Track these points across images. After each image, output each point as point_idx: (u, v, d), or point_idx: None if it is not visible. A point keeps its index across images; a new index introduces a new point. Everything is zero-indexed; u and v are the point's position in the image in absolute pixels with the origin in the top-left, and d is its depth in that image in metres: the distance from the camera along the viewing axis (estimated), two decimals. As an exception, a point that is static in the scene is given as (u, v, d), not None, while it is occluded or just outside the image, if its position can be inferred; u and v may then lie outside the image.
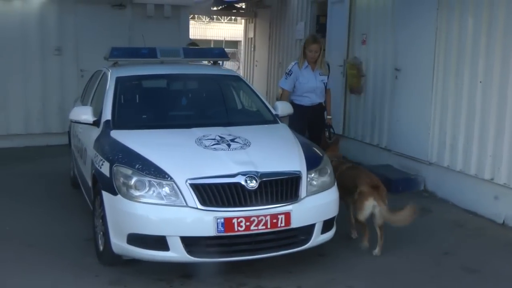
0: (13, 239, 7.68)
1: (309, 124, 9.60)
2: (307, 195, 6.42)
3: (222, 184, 6.09)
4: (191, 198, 6.00)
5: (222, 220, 5.94)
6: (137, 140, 6.92)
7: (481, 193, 8.75)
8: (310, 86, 9.55)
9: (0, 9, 13.46)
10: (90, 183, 7.36)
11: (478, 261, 7.14)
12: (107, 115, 7.55)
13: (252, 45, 20.96)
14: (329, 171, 6.89)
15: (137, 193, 6.11)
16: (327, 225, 6.63)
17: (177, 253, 6.00)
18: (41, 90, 13.91)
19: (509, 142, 8.33)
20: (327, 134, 9.63)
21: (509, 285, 6.54)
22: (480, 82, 8.82)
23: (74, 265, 6.78)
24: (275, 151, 6.99)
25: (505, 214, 8.41)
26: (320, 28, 15.30)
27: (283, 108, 8.33)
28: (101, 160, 6.74)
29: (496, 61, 8.52)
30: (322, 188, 6.66)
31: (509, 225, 8.33)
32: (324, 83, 9.64)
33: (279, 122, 8.09)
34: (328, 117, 9.85)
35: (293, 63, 9.89)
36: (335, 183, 6.92)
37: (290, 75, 9.64)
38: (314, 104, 9.64)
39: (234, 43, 38.57)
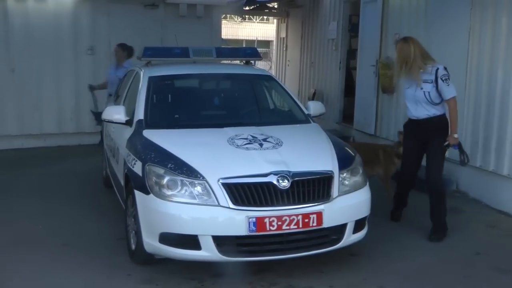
0: (46, 238, 7.75)
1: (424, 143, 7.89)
2: (339, 195, 6.42)
3: (254, 184, 6.10)
4: (223, 197, 6.02)
5: (254, 219, 5.96)
6: (169, 140, 6.96)
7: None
8: (409, 94, 7.91)
9: (33, 9, 13.66)
10: (122, 182, 7.41)
11: (510, 261, 7.10)
12: (139, 114, 7.60)
13: (284, 45, 20.95)
14: (361, 171, 6.88)
15: (169, 192, 6.15)
16: (358, 225, 6.63)
17: (209, 252, 6.03)
18: (74, 90, 14.09)
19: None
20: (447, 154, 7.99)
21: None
22: (514, 82, 8.77)
23: (107, 264, 6.83)
24: (307, 151, 6.98)
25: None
26: (352, 28, 15.30)
27: (316, 108, 8.33)
28: (134, 159, 6.79)
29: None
30: (354, 188, 6.66)
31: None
32: (425, 92, 7.65)
33: (312, 121, 8.09)
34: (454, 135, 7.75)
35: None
36: (367, 183, 6.92)
37: None
38: (418, 118, 7.85)
39: (266, 43, 38.57)
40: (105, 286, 6.31)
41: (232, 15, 30.49)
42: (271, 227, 6.00)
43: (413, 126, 8.01)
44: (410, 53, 7.67)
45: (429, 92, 7.62)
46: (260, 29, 41.02)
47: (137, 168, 6.60)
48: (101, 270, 6.67)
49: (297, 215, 6.07)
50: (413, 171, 8.18)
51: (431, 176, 7.81)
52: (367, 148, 9.43)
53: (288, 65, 20.69)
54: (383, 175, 9.37)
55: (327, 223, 6.23)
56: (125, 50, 11.53)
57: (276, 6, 20.82)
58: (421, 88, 7.66)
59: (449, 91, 7.58)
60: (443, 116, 7.80)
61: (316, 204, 6.19)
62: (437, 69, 7.60)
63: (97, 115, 11.77)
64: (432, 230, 7.79)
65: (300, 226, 6.09)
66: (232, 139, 6.84)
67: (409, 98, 7.92)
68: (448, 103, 7.67)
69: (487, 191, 9.36)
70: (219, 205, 6.02)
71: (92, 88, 12.37)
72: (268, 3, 20.58)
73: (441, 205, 7.81)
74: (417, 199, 8.48)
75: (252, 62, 9.59)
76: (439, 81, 7.54)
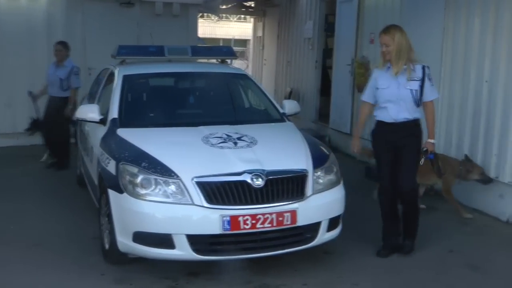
0: (19, 238, 7.71)
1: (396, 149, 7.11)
2: (313, 193, 6.44)
3: (228, 182, 6.11)
4: (197, 196, 6.02)
5: (228, 218, 5.97)
6: (143, 138, 6.96)
7: (486, 191, 8.75)
8: (390, 93, 7.04)
9: (7, 7, 13.55)
10: (96, 181, 7.40)
11: (483, 259, 7.17)
12: (114, 113, 7.59)
13: (261, 44, 21.01)
14: (335, 170, 6.91)
15: (143, 191, 6.14)
16: (333, 223, 6.65)
17: (183, 251, 6.03)
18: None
19: (513, 141, 8.40)
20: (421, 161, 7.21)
21: (511, 281, 6.58)
22: (486, 81, 8.86)
23: (80, 263, 6.80)
24: (281, 150, 6.99)
25: (509, 212, 8.45)
26: (328, 27, 15.36)
27: (290, 107, 8.36)
28: (107, 158, 6.78)
29: (502, 61, 8.56)
30: (328, 186, 6.68)
31: (510, 223, 8.40)
32: (412, 91, 6.96)
33: (286, 120, 8.12)
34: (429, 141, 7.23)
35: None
36: (341, 182, 6.95)
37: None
38: (397, 121, 7.07)
39: (243, 42, 38.65)
40: (78, 286, 6.29)
41: (209, 14, 30.41)
42: (245, 226, 6.01)
43: (386, 131, 7.12)
44: (405, 45, 6.92)
45: (416, 91, 6.92)
46: (237, 28, 41.13)
47: (111, 167, 6.58)
48: (74, 270, 6.65)
49: (271, 214, 6.08)
50: (391, 182, 7.16)
51: (405, 186, 7.05)
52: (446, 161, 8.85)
53: (264, 64, 20.76)
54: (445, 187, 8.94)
55: (301, 221, 6.25)
56: (68, 49, 11.44)
57: (253, 5, 20.84)
58: (408, 87, 6.92)
59: (433, 92, 7.09)
60: (418, 120, 7.12)
61: (290, 202, 6.20)
62: (425, 66, 6.98)
63: (35, 123, 11.76)
64: (408, 245, 7.25)
65: (274, 224, 6.11)
66: (206, 137, 6.84)
67: (390, 98, 6.97)
68: (428, 105, 7.06)
69: (461, 190, 9.41)
70: (193, 204, 6.02)
71: (32, 96, 12.05)
72: (245, 2, 20.58)
73: (417, 218, 7.27)
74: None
75: (228, 61, 9.62)
76: (427, 80, 6.95)
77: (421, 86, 6.92)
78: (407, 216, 7.24)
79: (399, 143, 7.00)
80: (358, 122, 7.48)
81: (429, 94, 6.99)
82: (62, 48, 11.33)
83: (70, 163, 11.25)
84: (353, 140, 7.57)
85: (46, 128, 11.49)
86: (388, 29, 6.99)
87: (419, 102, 6.95)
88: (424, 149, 7.12)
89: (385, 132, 7.13)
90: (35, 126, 11.81)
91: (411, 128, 7.05)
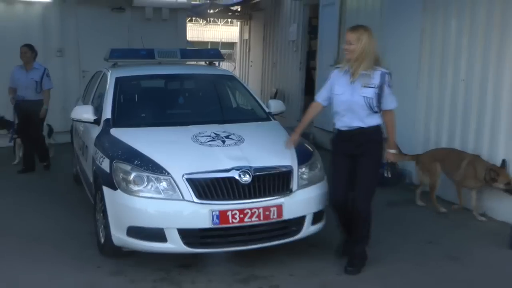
0: (18, 233, 7.73)
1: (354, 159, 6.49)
2: (298, 189, 6.49)
3: (217, 179, 6.15)
4: (188, 192, 6.07)
5: (217, 212, 6.01)
6: (136, 138, 6.98)
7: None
8: (343, 100, 6.43)
9: (2, 12, 13.59)
10: (91, 179, 7.43)
11: (460, 250, 7.23)
12: (107, 113, 7.63)
13: (247, 47, 21.00)
14: (319, 166, 6.97)
15: (136, 188, 6.19)
16: (317, 217, 6.70)
17: (174, 244, 6.07)
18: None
19: (489, 137, 8.44)
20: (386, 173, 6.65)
21: (487, 271, 6.62)
22: (462, 80, 8.92)
23: (77, 257, 6.84)
24: (267, 147, 7.00)
25: (484, 206, 8.49)
26: (312, 30, 15.37)
27: (276, 106, 8.39)
28: (102, 156, 6.82)
29: (477, 60, 8.62)
30: (312, 182, 6.72)
31: (487, 216, 8.43)
32: (366, 98, 6.27)
33: (272, 119, 8.16)
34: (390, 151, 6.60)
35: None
36: (325, 177, 6.99)
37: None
38: (351, 129, 6.45)
39: (231, 45, 38.54)
40: (75, 279, 6.30)
41: (197, 18, 30.40)
42: (233, 220, 6.06)
43: (343, 139, 6.53)
44: (370, 50, 6.26)
45: (371, 99, 6.22)
46: (225, 32, 41.00)
47: (105, 165, 6.62)
48: (72, 263, 6.68)
49: (258, 208, 6.13)
50: (344, 194, 6.52)
51: (359, 198, 6.43)
52: (453, 153, 8.73)
53: (251, 66, 20.75)
54: (457, 184, 8.58)
55: (287, 215, 6.30)
56: (34, 51, 11.10)
57: (239, 9, 20.86)
58: (361, 93, 6.25)
59: (393, 101, 6.36)
60: (378, 128, 6.44)
61: (276, 197, 6.25)
62: (385, 73, 6.25)
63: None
64: (351, 261, 6.58)
65: (261, 218, 6.15)
66: (196, 136, 6.88)
67: (343, 105, 6.40)
68: (387, 115, 6.40)
69: (439, 184, 9.48)
70: (183, 199, 6.07)
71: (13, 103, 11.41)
72: (232, 6, 20.60)
73: (367, 233, 6.63)
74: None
75: (216, 63, 9.66)
76: (386, 88, 6.23)
77: (379, 94, 6.23)
78: (357, 224, 6.59)
79: (356, 151, 6.40)
80: (303, 119, 6.92)
81: (388, 103, 6.32)
82: (28, 50, 10.98)
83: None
84: (292, 136, 6.90)
85: (24, 132, 11.28)
86: (356, 28, 6.34)
87: (375, 109, 6.28)
88: (386, 161, 6.56)
89: (342, 141, 6.57)
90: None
91: (369, 135, 6.39)
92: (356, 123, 6.35)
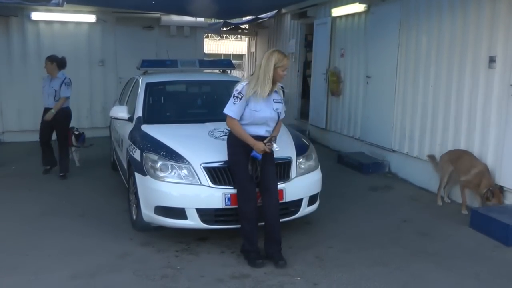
0: (68, 210, 7.76)
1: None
2: (296, 176, 6.43)
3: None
4: (204, 178, 6.02)
5: (229, 195, 5.96)
6: (162, 132, 6.92)
7: (432, 174, 8.70)
8: (263, 116, 5.84)
9: (58, 30, 13.87)
10: (125, 166, 7.41)
11: (429, 227, 7.17)
12: (138, 112, 7.60)
13: (254, 58, 20.90)
14: (314, 157, 6.89)
15: (161, 174, 6.15)
16: (312, 200, 6.66)
17: (193, 221, 6.05)
18: (88, 93, 14.20)
19: (453, 133, 8.37)
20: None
21: (451, 244, 6.55)
22: (431, 86, 8.83)
23: (114, 230, 6.86)
24: (271, 141, 6.91)
25: (448, 191, 8.39)
26: (307, 44, 15.28)
27: None
28: (134, 148, 6.77)
29: (443, 69, 8.54)
30: (308, 170, 6.66)
31: (451, 199, 8.34)
32: (279, 113, 5.94)
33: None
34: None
35: (243, 84, 5.93)
36: (319, 166, 6.91)
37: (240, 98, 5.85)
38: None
39: (240, 56, 38.39)
40: (113, 247, 6.29)
41: (212, 34, 30.32)
42: (242, 201, 5.97)
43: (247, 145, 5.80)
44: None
45: (280, 112, 5.96)
46: (235, 45, 40.89)
47: (137, 155, 6.58)
48: (110, 234, 6.71)
49: (263, 192, 6.03)
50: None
51: (271, 212, 5.92)
52: (467, 157, 7.90)
53: (257, 74, 20.62)
54: (462, 185, 7.83)
55: (287, 198, 6.25)
56: (53, 62, 9.77)
57: (247, 27, 20.78)
58: (275, 109, 5.89)
59: (283, 112, 6.03)
60: None
61: (278, 183, 6.14)
62: (283, 87, 6.14)
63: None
64: (279, 257, 5.92)
65: (266, 200, 6.05)
66: (211, 132, 6.82)
67: (261, 119, 5.85)
68: (280, 122, 6.09)
69: (412, 172, 9.42)
70: (201, 184, 6.02)
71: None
72: (241, 25, 20.54)
73: (279, 228, 6.01)
74: (356, 177, 8.46)
75: (228, 71, 9.59)
76: (283, 100, 6.03)
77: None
78: (273, 226, 5.98)
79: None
80: (245, 137, 5.82)
81: (283, 112, 6.08)
82: (47, 61, 9.85)
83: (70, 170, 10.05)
84: (256, 144, 5.77)
85: (43, 139, 9.92)
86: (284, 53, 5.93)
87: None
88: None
89: (246, 146, 5.83)
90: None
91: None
92: (264, 132, 5.93)
